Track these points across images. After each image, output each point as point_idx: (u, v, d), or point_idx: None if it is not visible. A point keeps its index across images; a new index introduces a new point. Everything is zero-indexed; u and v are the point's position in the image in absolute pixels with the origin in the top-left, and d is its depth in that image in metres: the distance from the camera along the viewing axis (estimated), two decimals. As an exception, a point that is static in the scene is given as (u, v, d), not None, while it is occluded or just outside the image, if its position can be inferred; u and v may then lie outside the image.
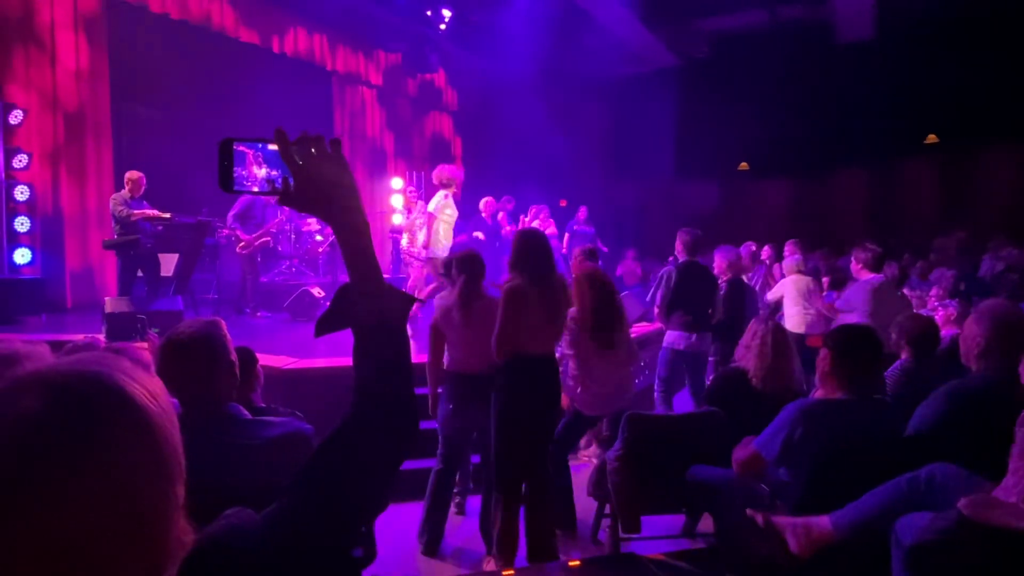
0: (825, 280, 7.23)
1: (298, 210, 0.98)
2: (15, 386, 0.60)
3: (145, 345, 3.42)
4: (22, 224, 7.62)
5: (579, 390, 4.11)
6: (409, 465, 4.24)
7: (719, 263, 6.01)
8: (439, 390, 3.93)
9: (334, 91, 12.40)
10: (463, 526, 4.25)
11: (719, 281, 5.83)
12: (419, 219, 7.84)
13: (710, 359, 5.72)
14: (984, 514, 1.91)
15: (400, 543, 3.90)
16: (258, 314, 8.09)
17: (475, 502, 4.26)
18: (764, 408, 2.95)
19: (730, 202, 14.83)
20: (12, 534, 0.55)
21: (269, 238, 8.52)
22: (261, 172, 0.99)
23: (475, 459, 4.43)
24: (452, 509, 4.20)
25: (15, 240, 7.59)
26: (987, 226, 10.84)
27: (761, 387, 3.36)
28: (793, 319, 6.19)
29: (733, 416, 3.33)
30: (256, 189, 1.01)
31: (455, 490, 4.25)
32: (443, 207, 7.11)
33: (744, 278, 6.42)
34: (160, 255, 7.09)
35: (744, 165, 15.37)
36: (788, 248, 7.51)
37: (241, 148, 0.99)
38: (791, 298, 6.31)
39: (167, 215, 7.09)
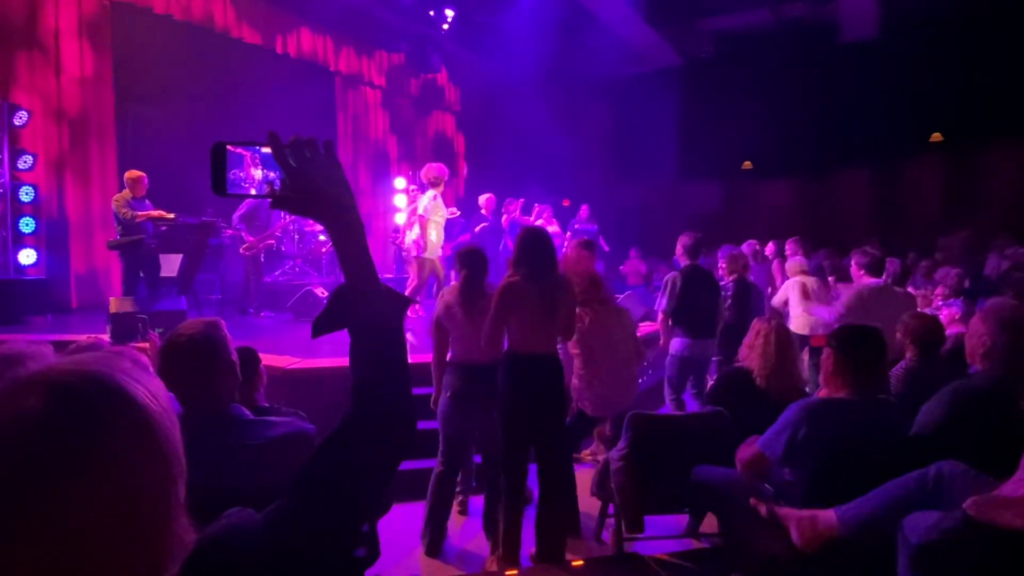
0: (831, 279, 7.20)
1: (292, 212, 0.98)
2: (17, 386, 0.61)
3: (145, 345, 3.43)
4: (27, 225, 7.65)
5: (584, 390, 4.10)
6: (411, 465, 4.24)
7: (723, 263, 5.98)
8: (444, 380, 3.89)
9: (337, 91, 12.44)
10: (466, 526, 4.24)
11: (726, 281, 5.80)
12: (411, 218, 7.81)
13: (713, 359, 5.70)
14: (990, 514, 1.90)
15: (403, 543, 3.90)
16: (262, 314, 8.10)
17: (478, 502, 4.26)
18: (768, 407, 2.95)
19: (733, 202, 14.80)
20: (14, 534, 0.56)
21: (273, 241, 8.53)
22: (259, 174, 0.99)
23: (477, 459, 4.41)
24: (455, 509, 4.19)
25: (20, 241, 7.63)
26: (992, 225, 10.79)
27: (765, 386, 3.36)
28: (798, 320, 6.17)
29: (737, 416, 3.32)
30: (254, 191, 1.00)
31: (457, 489, 4.22)
32: (434, 209, 7.10)
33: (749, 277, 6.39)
34: (164, 255, 7.09)
35: (747, 164, 15.33)
36: (789, 247, 7.43)
37: (239, 151, 0.99)
38: (796, 299, 6.29)
39: (171, 215, 7.08)
